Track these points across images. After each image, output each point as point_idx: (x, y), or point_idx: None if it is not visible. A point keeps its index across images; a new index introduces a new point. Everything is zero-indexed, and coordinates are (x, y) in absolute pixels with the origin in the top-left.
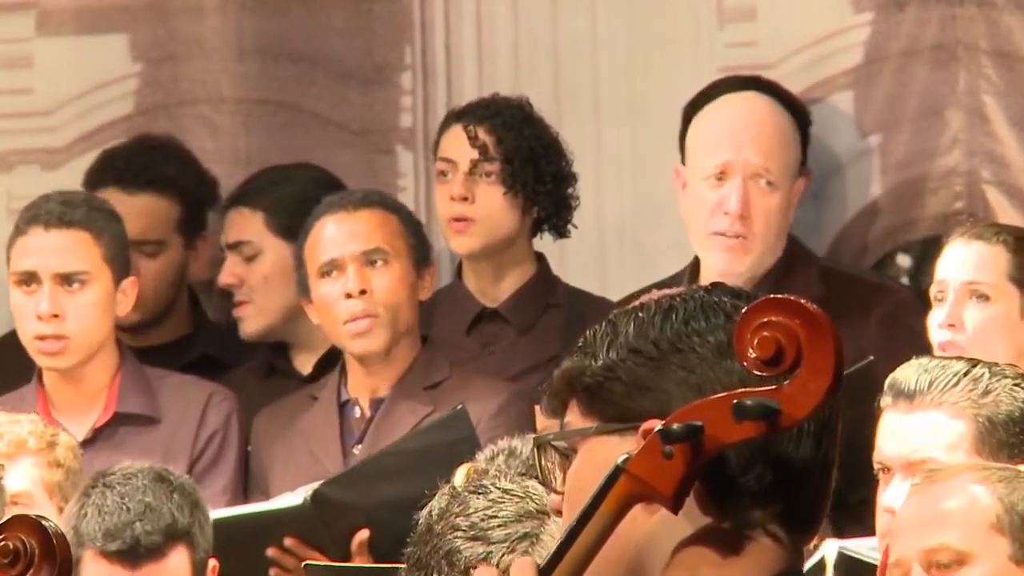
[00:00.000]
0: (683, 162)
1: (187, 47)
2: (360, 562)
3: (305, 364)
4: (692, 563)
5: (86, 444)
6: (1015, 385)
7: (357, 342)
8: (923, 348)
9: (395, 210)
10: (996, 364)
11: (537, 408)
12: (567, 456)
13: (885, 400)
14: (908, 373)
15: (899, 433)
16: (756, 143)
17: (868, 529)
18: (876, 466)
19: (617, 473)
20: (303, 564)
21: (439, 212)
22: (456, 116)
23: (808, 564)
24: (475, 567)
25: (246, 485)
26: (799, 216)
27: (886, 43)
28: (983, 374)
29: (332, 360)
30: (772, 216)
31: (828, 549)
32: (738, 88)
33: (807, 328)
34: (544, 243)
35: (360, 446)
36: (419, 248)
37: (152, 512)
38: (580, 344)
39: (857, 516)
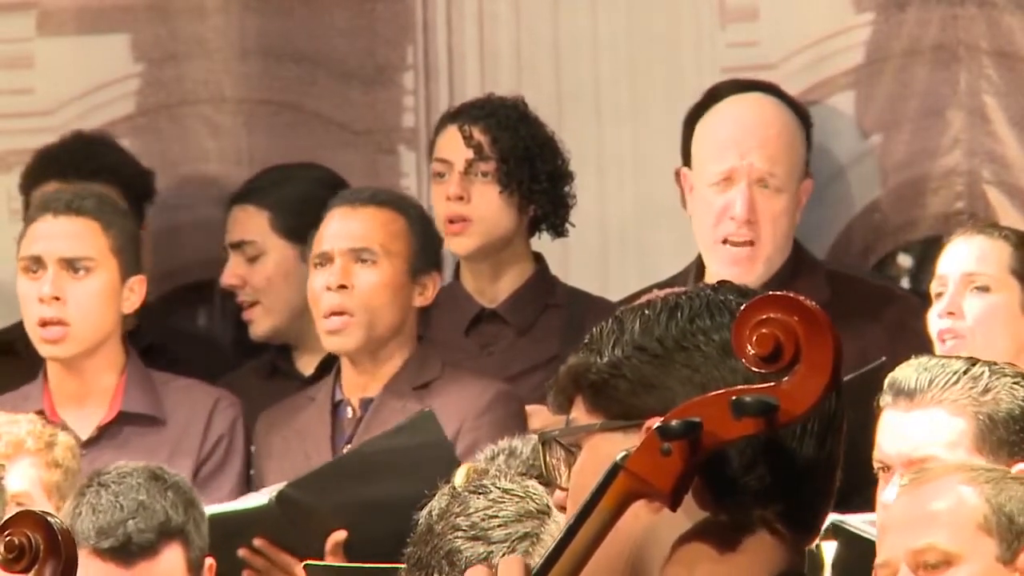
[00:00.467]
0: (688, 166)
1: (189, 47)
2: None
3: (307, 365)
4: (691, 559)
5: (91, 443)
6: (1015, 383)
7: (330, 339)
8: (930, 353)
9: (405, 212)
10: (995, 363)
11: (528, 408)
12: (572, 452)
13: (885, 399)
14: (908, 372)
15: (899, 431)
16: (761, 147)
17: None
18: (876, 465)
19: (616, 470)
20: (303, 564)
21: (436, 212)
22: (451, 116)
23: None
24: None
25: (251, 488)
26: (799, 217)
27: (887, 43)
28: (983, 372)
29: (333, 361)
30: (779, 220)
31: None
32: (741, 91)
33: (805, 325)
34: (545, 244)
35: (349, 446)
36: (421, 254)
37: (145, 510)
38: (586, 341)
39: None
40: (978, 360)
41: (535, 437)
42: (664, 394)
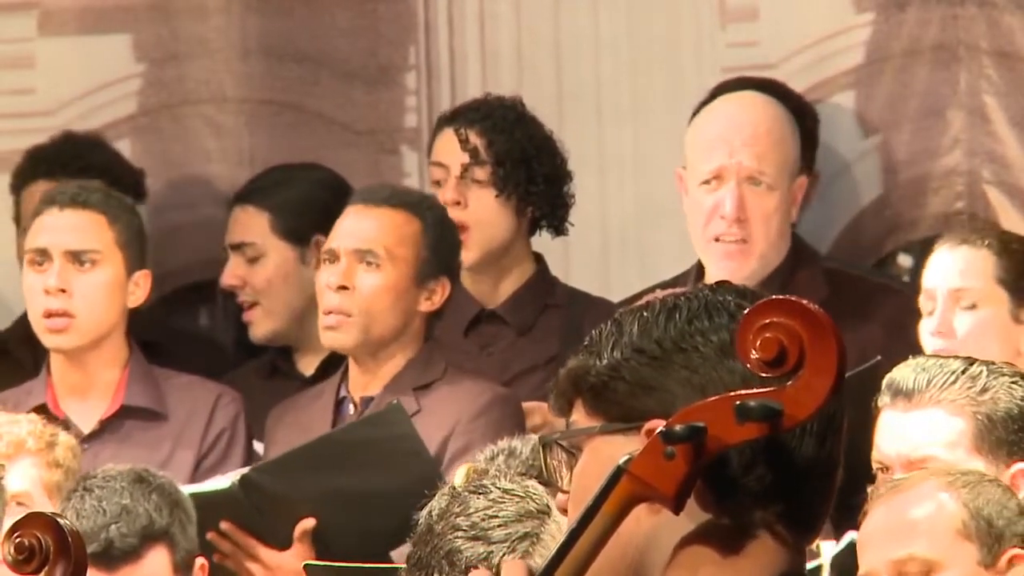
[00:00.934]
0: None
1: (191, 47)
2: (302, 551)
3: (308, 366)
4: (693, 563)
5: (93, 436)
6: (1013, 383)
7: (327, 334)
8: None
9: (421, 216)
10: (993, 362)
11: (525, 405)
12: (573, 455)
13: (883, 399)
14: (906, 372)
15: (898, 432)
16: (749, 145)
17: None
18: (875, 465)
19: (619, 474)
20: (303, 564)
21: None
22: (448, 119)
23: (809, 565)
24: (476, 567)
25: None
26: (800, 216)
27: (887, 43)
28: (981, 372)
29: (334, 362)
30: (770, 217)
31: (825, 555)
32: (742, 89)
33: (809, 329)
34: (546, 245)
35: None
36: (431, 260)
37: (128, 514)
38: (586, 343)
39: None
40: (976, 360)
41: (535, 437)
42: (663, 396)
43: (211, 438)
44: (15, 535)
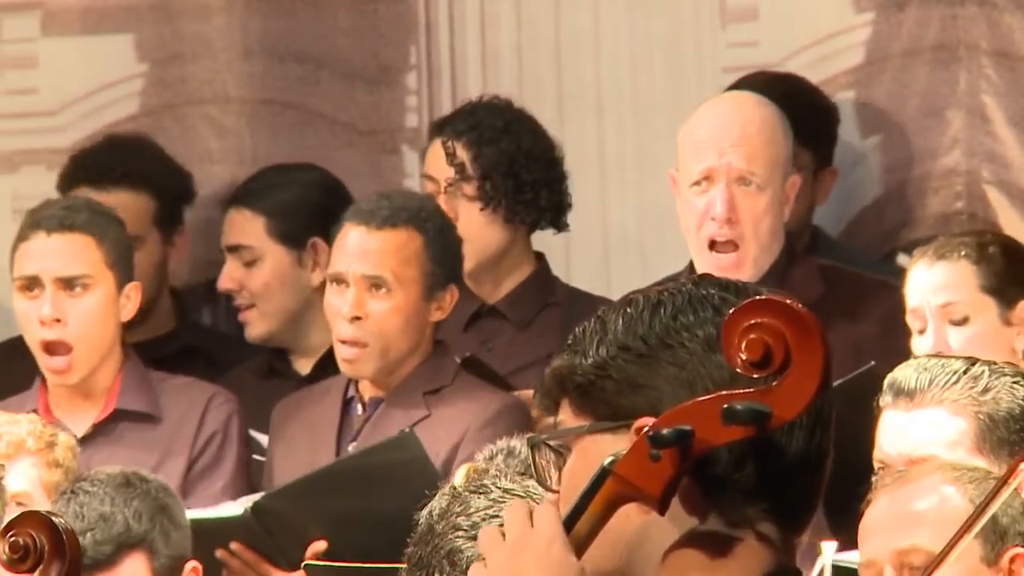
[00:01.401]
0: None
1: (193, 47)
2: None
3: (304, 366)
4: (682, 567)
5: (85, 440)
6: (1014, 383)
7: (346, 367)
8: None
9: (422, 229)
10: (994, 362)
11: (526, 394)
12: (561, 454)
13: (885, 399)
14: (908, 372)
15: (900, 431)
16: (738, 146)
17: None
18: (876, 465)
19: (604, 475)
20: (303, 564)
21: None
22: (437, 129)
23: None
24: None
25: (250, 484)
26: (820, 210)
27: (887, 43)
28: (983, 372)
29: (331, 361)
30: (761, 217)
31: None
32: (762, 84)
33: (794, 329)
34: (548, 245)
35: (354, 443)
36: (437, 272)
37: (104, 522)
38: (569, 342)
39: (859, 518)
40: (978, 360)
41: None
42: (651, 393)
43: (202, 441)
44: (9, 534)
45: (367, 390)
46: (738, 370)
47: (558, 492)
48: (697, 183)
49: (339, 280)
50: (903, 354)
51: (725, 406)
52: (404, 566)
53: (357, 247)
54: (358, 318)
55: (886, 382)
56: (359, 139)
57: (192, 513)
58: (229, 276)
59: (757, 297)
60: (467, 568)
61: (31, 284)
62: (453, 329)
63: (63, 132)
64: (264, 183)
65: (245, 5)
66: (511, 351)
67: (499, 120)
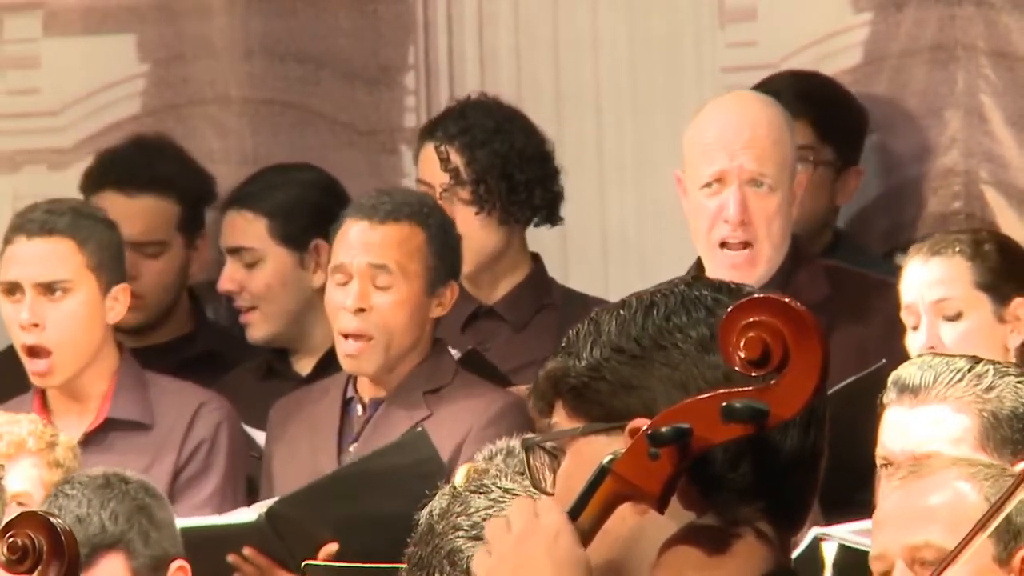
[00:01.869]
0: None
1: (194, 47)
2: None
3: (304, 367)
4: (678, 564)
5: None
6: (1018, 382)
7: (348, 362)
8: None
9: (424, 224)
10: (998, 361)
11: (521, 389)
12: (556, 457)
13: (889, 396)
14: (912, 369)
15: (904, 428)
16: (749, 148)
17: None
18: (880, 461)
19: (603, 474)
20: (303, 564)
21: None
22: (428, 132)
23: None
24: None
25: (241, 491)
26: (845, 210)
27: (885, 43)
28: (987, 370)
29: (331, 362)
30: (773, 219)
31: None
32: (784, 83)
33: (793, 328)
34: (546, 246)
35: (356, 444)
36: (439, 267)
37: (80, 524)
38: (563, 344)
39: (862, 516)
40: (982, 358)
41: None
42: (645, 394)
43: (189, 449)
44: (8, 535)
45: (366, 390)
46: (736, 368)
47: (552, 495)
48: (708, 185)
49: (342, 272)
50: (907, 355)
51: (724, 404)
52: (404, 566)
53: (360, 240)
54: (362, 310)
55: (890, 379)
56: (359, 139)
57: (205, 519)
58: (229, 278)
59: (755, 296)
60: (467, 568)
61: (12, 289)
62: (450, 330)
63: (64, 132)
64: (262, 184)
65: (246, 5)
66: (508, 352)
67: (490, 121)
